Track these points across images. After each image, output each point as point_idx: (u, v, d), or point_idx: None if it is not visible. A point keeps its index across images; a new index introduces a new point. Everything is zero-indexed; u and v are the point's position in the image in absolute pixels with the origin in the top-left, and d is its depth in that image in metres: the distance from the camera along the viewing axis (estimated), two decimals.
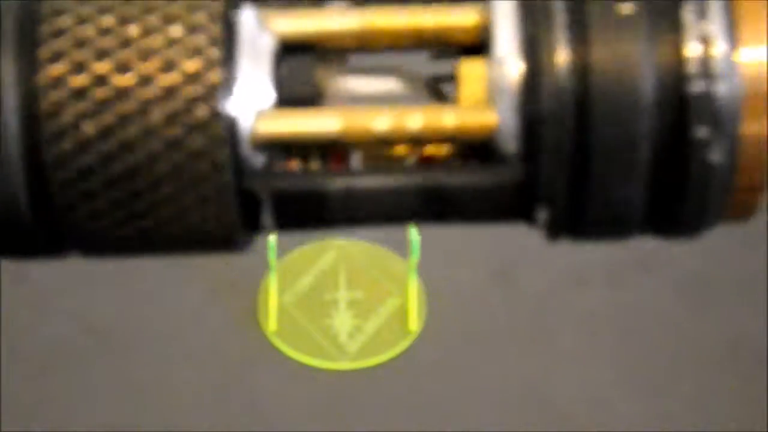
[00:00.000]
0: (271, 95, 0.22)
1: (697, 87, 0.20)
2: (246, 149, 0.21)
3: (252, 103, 0.22)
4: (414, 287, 1.17)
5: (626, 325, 1.17)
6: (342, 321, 1.16)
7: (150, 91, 0.21)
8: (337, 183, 0.22)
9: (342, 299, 1.18)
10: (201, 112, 0.21)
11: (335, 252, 1.22)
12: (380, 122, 0.22)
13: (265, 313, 1.15)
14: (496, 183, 0.21)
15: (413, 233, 1.14)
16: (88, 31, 0.20)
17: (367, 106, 0.22)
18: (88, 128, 0.20)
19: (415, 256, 1.15)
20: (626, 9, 0.20)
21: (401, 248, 1.19)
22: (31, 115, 0.20)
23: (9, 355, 1.10)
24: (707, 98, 0.20)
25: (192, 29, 0.21)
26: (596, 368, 1.14)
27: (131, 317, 1.15)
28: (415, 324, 1.16)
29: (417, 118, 0.22)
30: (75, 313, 1.15)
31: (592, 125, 0.20)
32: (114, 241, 0.22)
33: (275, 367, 1.13)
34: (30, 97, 0.20)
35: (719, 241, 1.28)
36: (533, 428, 1.10)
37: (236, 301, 1.17)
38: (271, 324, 1.15)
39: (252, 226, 0.23)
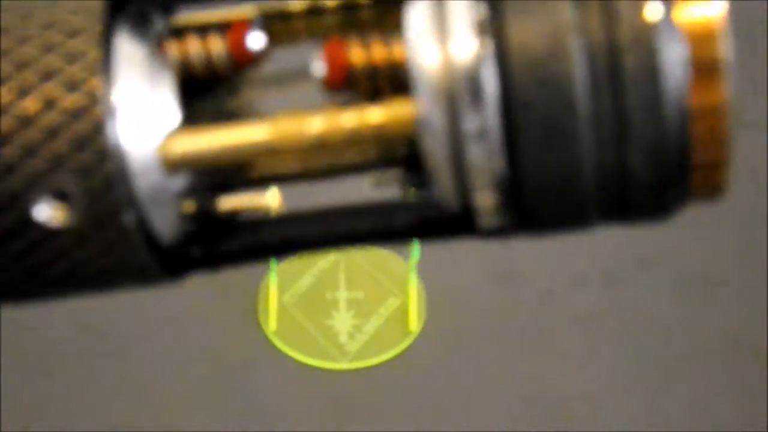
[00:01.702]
0: (176, 116, 0.20)
1: (631, 59, 0.17)
2: (152, 181, 0.19)
3: (155, 128, 0.19)
4: (414, 287, 1.17)
5: (626, 325, 1.17)
6: (342, 321, 1.16)
7: (31, 133, 0.18)
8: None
9: (342, 299, 1.18)
10: (87, 154, 0.18)
11: (335, 252, 1.21)
12: (314, 124, 0.19)
13: (265, 313, 1.15)
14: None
15: None
16: None
17: (292, 114, 0.20)
18: None
19: (415, 256, 1.15)
20: None
21: (401, 248, 1.19)
22: None
23: (9, 355, 1.10)
24: (646, 70, 0.17)
25: (70, 58, 0.18)
26: (596, 368, 1.14)
27: (131, 317, 1.15)
28: (415, 324, 1.15)
29: (349, 117, 0.19)
30: (75, 313, 1.15)
31: (516, 115, 0.18)
32: (23, 287, 0.21)
33: (275, 367, 1.13)
34: None
35: (719, 241, 1.29)
36: (533, 428, 1.10)
37: (236, 301, 1.17)
38: (271, 324, 1.15)
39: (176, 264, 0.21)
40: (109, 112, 0.18)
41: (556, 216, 0.20)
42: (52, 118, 0.18)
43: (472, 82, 0.18)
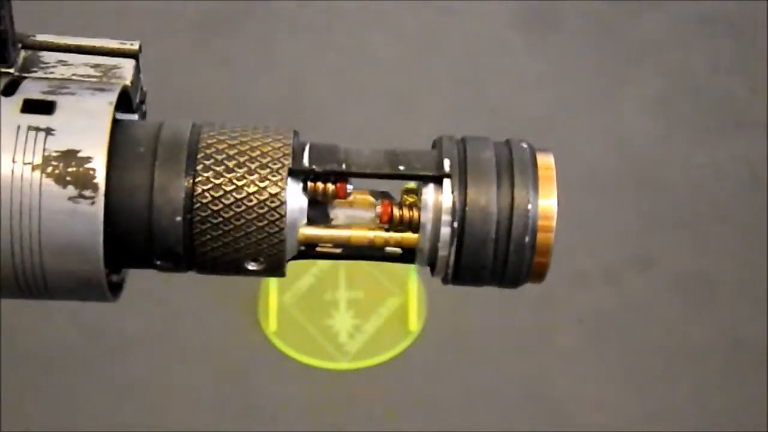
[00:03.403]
0: (304, 202, 0.41)
1: (519, 225, 0.41)
2: (295, 231, 0.41)
3: (299, 205, 0.41)
4: (414, 287, 1.17)
5: (626, 325, 1.17)
6: (342, 321, 1.16)
7: (252, 201, 0.39)
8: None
9: (342, 299, 1.18)
10: (276, 214, 0.40)
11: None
12: (369, 234, 0.41)
13: (265, 313, 1.15)
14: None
15: None
16: (220, 172, 0.39)
17: (361, 226, 0.42)
18: (219, 208, 0.39)
19: None
20: (491, 176, 0.41)
21: None
22: (190, 200, 0.39)
23: (9, 355, 1.11)
24: (522, 223, 0.41)
25: (272, 173, 0.40)
26: (596, 368, 1.14)
27: (131, 317, 1.15)
28: (415, 324, 1.16)
29: (386, 234, 0.41)
30: (75, 313, 1.15)
31: (464, 241, 0.40)
32: (221, 265, 0.40)
33: (275, 367, 1.13)
34: (190, 191, 0.39)
35: (719, 241, 1.29)
36: (533, 428, 1.10)
37: (236, 301, 1.17)
38: (271, 324, 1.15)
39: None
40: (285, 212, 0.40)
41: (474, 277, 0.42)
42: (262, 197, 0.40)
43: (450, 220, 0.41)
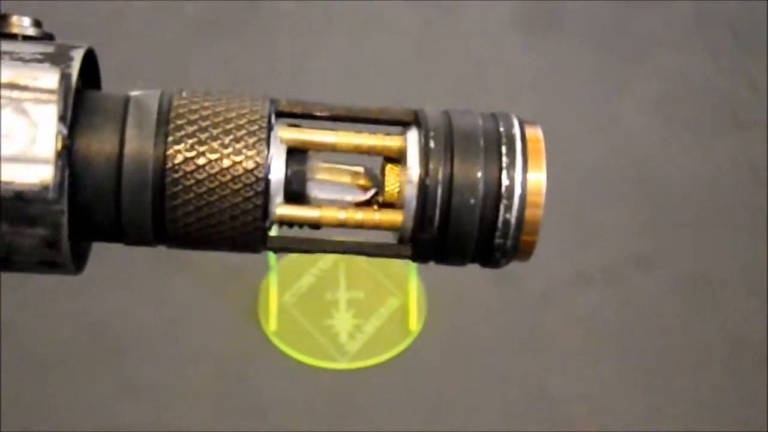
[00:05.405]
0: (282, 177, 0.39)
1: (505, 198, 0.38)
2: (271, 209, 0.39)
3: (276, 181, 0.39)
4: (414, 287, 1.17)
5: (626, 325, 1.17)
6: (342, 321, 1.16)
7: (226, 176, 0.38)
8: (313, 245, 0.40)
9: (342, 299, 1.18)
10: (252, 190, 0.38)
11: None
12: (340, 215, 0.39)
13: (265, 313, 1.15)
14: (396, 252, 0.40)
15: None
16: (192, 144, 0.38)
17: (332, 207, 0.40)
18: (191, 183, 0.38)
19: None
20: (433, 146, 0.39)
21: None
22: (161, 173, 0.37)
23: (9, 356, 1.11)
24: (510, 203, 0.38)
25: (248, 147, 0.38)
26: (596, 368, 1.14)
27: (131, 317, 1.15)
28: (415, 324, 1.16)
29: (359, 215, 0.39)
30: (75, 313, 1.15)
31: (450, 216, 0.39)
32: (191, 241, 0.39)
33: (275, 367, 1.13)
34: (161, 163, 0.37)
35: (719, 241, 1.29)
36: (533, 428, 1.10)
37: (236, 301, 1.17)
38: (271, 324, 1.15)
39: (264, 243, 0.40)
40: (265, 174, 0.38)
41: (459, 256, 0.39)
42: (238, 170, 0.38)
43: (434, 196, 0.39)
